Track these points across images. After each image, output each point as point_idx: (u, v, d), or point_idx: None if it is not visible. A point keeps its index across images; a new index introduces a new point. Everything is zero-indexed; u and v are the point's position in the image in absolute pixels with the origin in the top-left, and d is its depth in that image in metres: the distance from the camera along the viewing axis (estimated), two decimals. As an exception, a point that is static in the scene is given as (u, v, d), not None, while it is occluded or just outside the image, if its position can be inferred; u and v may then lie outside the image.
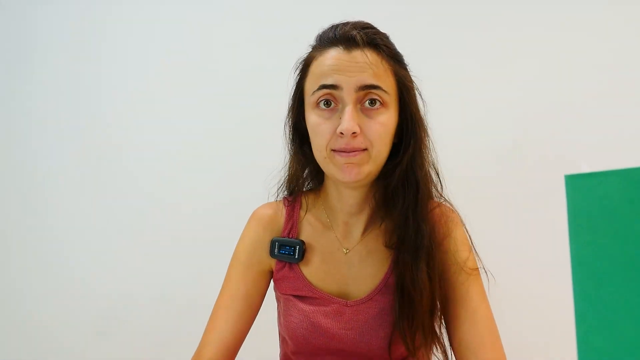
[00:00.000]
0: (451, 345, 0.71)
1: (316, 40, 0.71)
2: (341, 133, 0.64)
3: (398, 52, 0.71)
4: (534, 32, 1.40)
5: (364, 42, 0.66)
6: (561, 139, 1.38)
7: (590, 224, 0.27)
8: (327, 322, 0.73)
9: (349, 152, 0.66)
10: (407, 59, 0.74)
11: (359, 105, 0.66)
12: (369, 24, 0.71)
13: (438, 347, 0.74)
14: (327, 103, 0.67)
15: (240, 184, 1.40)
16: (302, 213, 0.79)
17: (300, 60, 0.72)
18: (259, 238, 0.78)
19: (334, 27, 0.69)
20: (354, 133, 0.64)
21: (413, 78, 0.73)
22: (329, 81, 0.66)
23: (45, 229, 1.62)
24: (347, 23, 0.69)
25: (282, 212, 0.79)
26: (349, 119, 0.64)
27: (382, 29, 0.72)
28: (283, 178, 0.80)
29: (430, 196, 0.72)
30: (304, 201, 0.80)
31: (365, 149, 0.66)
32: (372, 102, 0.66)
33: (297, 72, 0.72)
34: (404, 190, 0.70)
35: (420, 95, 0.73)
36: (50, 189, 1.62)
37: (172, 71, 1.57)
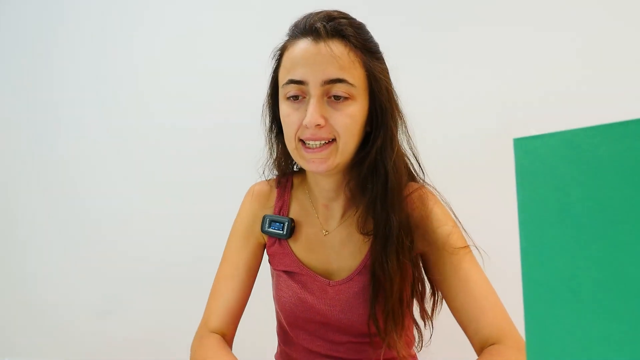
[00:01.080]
0: (455, 317, 0.73)
1: (289, 29, 0.72)
2: (306, 125, 0.66)
3: (369, 42, 0.71)
4: (521, 22, 1.38)
5: (329, 33, 0.66)
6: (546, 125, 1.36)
7: (535, 186, 0.27)
8: (313, 299, 0.77)
9: (315, 141, 0.68)
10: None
11: (325, 98, 0.67)
12: (342, 13, 0.71)
13: (412, 331, 0.77)
14: (296, 96, 0.68)
15: (237, 164, 1.43)
16: (292, 192, 0.82)
17: (275, 49, 0.73)
18: (254, 212, 0.83)
19: (306, 17, 0.70)
20: (318, 125, 0.66)
21: (390, 67, 0.73)
22: (296, 76, 0.67)
23: (55, 211, 1.67)
24: (320, 12, 0.70)
25: (275, 189, 0.83)
26: (312, 112, 0.65)
27: (367, 18, 0.73)
28: (267, 160, 0.82)
29: (400, 187, 0.72)
30: (295, 181, 0.83)
31: (333, 140, 0.68)
32: (338, 95, 0.67)
33: (273, 60, 0.74)
34: (372, 180, 0.71)
35: (390, 86, 0.72)
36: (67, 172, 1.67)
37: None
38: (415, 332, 0.82)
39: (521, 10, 1.36)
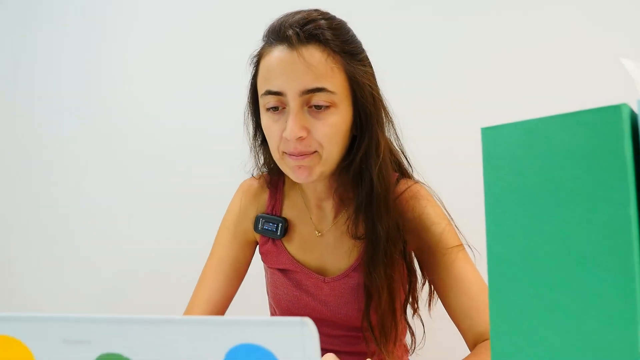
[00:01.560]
0: (448, 314, 0.73)
1: (265, 34, 0.69)
2: (287, 138, 0.64)
3: (350, 44, 0.67)
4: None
5: (304, 39, 0.63)
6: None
7: (500, 170, 0.29)
8: (308, 296, 0.78)
9: (298, 156, 0.66)
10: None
11: (305, 108, 0.65)
12: (322, 13, 0.68)
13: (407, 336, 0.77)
14: (275, 107, 0.66)
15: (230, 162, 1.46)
16: (285, 190, 0.82)
17: (252, 55, 0.71)
18: (245, 209, 0.82)
19: (281, 21, 0.66)
20: (299, 137, 0.64)
21: (376, 65, 0.70)
22: (273, 87, 0.64)
23: (52, 208, 1.70)
24: (296, 14, 0.66)
25: (267, 187, 0.82)
26: (292, 125, 0.63)
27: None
28: (255, 165, 0.81)
29: (387, 194, 0.70)
30: (287, 180, 0.82)
31: (315, 151, 0.66)
32: (318, 105, 0.64)
33: (251, 66, 0.71)
34: (357, 188, 0.70)
35: (375, 88, 0.69)
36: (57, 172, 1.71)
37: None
38: (408, 334, 0.83)
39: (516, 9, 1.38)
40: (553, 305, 0.27)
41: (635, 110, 0.26)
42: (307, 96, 0.63)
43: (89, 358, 0.23)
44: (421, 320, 0.80)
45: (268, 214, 0.80)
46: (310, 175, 0.67)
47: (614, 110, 0.25)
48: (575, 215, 0.27)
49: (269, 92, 0.65)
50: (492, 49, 1.39)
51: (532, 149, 0.28)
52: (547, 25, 1.35)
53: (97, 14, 1.66)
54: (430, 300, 0.75)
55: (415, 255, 0.78)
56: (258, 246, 0.83)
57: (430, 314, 0.77)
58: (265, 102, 0.66)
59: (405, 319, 0.80)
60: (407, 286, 0.77)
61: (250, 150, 0.78)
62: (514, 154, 0.29)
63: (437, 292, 0.74)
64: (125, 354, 0.23)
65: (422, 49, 1.43)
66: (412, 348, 0.83)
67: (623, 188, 0.25)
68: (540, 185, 0.28)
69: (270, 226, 0.78)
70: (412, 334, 0.82)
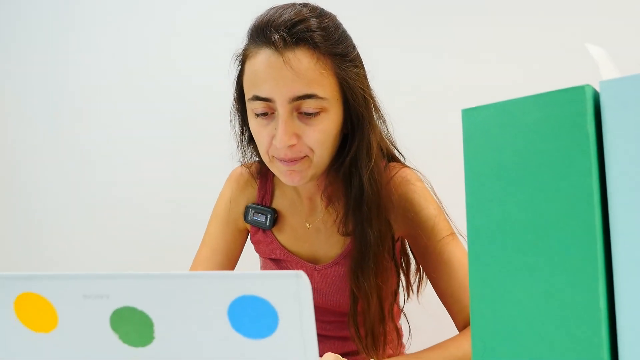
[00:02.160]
0: (438, 297, 0.75)
1: (250, 31, 0.66)
2: (277, 146, 0.63)
3: (341, 44, 0.65)
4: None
5: (292, 43, 0.61)
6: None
7: (479, 147, 0.32)
8: None
9: (289, 162, 0.65)
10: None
11: (295, 113, 0.64)
12: (311, 9, 0.65)
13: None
14: (264, 113, 0.65)
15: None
16: (275, 181, 0.81)
17: (237, 54, 0.69)
18: (235, 198, 0.82)
19: (267, 20, 0.63)
20: (290, 145, 0.63)
21: (366, 59, 0.69)
22: (261, 93, 0.62)
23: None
24: (284, 12, 0.63)
25: (257, 177, 0.82)
26: (282, 134, 0.62)
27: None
28: (242, 156, 0.80)
29: (379, 197, 0.69)
30: None
31: (305, 156, 0.65)
32: (308, 112, 0.63)
33: (236, 63, 0.69)
34: (347, 191, 0.70)
35: (367, 90, 0.68)
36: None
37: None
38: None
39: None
40: (525, 267, 0.30)
41: (599, 90, 0.29)
42: (296, 103, 0.62)
43: (107, 311, 0.26)
44: (406, 318, 0.82)
45: (258, 204, 0.80)
46: (301, 179, 0.67)
47: (579, 90, 0.28)
48: (545, 186, 0.29)
49: (257, 98, 0.63)
50: (485, 34, 1.42)
51: (507, 127, 0.31)
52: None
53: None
54: (419, 285, 0.77)
55: (405, 240, 0.79)
56: (249, 235, 0.84)
57: (419, 300, 0.79)
58: (253, 106, 0.65)
59: (394, 323, 0.81)
60: (398, 278, 0.78)
61: (238, 147, 0.77)
62: (491, 132, 0.32)
63: (427, 275, 0.75)
64: (139, 307, 0.26)
65: (416, 39, 1.45)
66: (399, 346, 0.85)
67: (585, 160, 0.28)
68: (514, 160, 0.31)
69: (259, 217, 0.78)
70: (400, 336, 0.83)
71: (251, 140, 0.75)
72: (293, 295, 0.24)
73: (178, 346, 0.26)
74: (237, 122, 0.75)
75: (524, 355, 0.29)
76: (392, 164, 0.77)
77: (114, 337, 0.26)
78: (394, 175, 0.75)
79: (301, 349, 0.24)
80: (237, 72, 0.69)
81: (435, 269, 0.73)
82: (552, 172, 0.29)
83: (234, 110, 0.74)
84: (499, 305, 0.31)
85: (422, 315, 0.86)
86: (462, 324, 0.72)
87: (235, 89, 0.71)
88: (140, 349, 0.27)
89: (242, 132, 0.76)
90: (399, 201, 0.73)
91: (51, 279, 0.26)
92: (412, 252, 0.79)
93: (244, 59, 0.67)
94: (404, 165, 0.78)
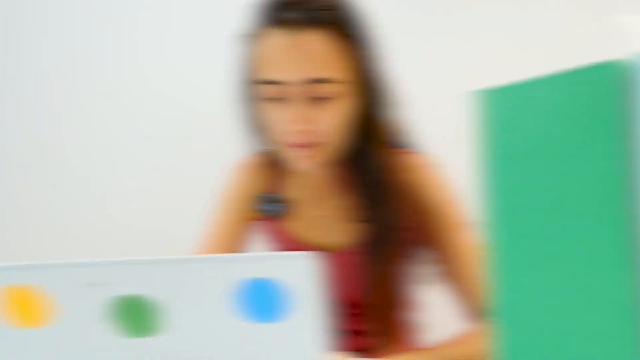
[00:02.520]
0: (449, 286, 0.74)
1: (258, 12, 0.63)
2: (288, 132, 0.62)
3: (357, 25, 0.63)
4: None
5: (307, 23, 0.58)
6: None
7: (499, 135, 0.30)
8: None
9: (300, 146, 0.63)
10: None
11: (309, 97, 0.61)
12: None
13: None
14: (275, 97, 0.62)
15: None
16: (285, 168, 0.79)
17: (242, 35, 0.65)
18: (242, 185, 0.80)
19: (278, 0, 0.60)
20: (304, 129, 0.61)
21: (383, 48, 0.67)
22: (272, 76, 0.60)
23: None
24: None
25: (265, 165, 0.80)
26: (295, 119, 0.60)
27: None
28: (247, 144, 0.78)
29: (392, 182, 0.67)
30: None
31: (319, 141, 0.64)
32: (323, 96, 0.61)
33: (244, 45, 0.66)
34: (361, 177, 0.69)
35: (382, 74, 0.66)
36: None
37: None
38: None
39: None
40: (551, 253, 0.28)
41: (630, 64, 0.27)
42: (310, 86, 0.60)
43: (109, 298, 0.25)
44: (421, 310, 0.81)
45: (267, 193, 0.78)
46: (315, 165, 0.66)
47: (608, 66, 0.26)
48: (569, 169, 0.28)
49: (266, 81, 0.61)
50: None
51: (528, 109, 0.29)
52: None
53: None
54: (432, 274, 0.76)
55: (416, 226, 0.77)
56: (259, 225, 0.82)
57: (433, 289, 0.78)
58: (262, 91, 0.62)
59: (410, 314, 0.80)
60: (412, 266, 0.77)
61: (242, 134, 0.75)
62: (510, 114, 0.30)
63: (438, 264, 0.74)
64: (143, 293, 0.24)
65: (436, 24, 1.43)
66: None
67: (610, 140, 0.26)
68: (538, 143, 0.29)
69: (269, 206, 0.77)
70: (416, 327, 0.81)
71: (257, 127, 0.72)
72: (301, 274, 0.23)
73: (185, 333, 0.25)
74: (242, 109, 0.71)
75: (552, 347, 0.27)
76: (406, 149, 0.75)
77: (115, 328, 0.25)
78: (408, 160, 0.73)
79: (310, 330, 0.23)
80: (244, 54, 0.66)
81: (444, 256, 0.72)
82: (579, 155, 0.27)
83: (237, 97, 0.71)
84: (524, 296, 0.29)
85: (437, 307, 0.84)
86: (473, 314, 0.71)
87: (240, 74, 0.68)
88: (145, 339, 0.26)
89: (247, 119, 0.73)
90: (412, 187, 0.71)
91: (51, 268, 0.25)
92: (424, 239, 0.77)
93: (252, 40, 0.64)
94: (418, 151, 0.76)
